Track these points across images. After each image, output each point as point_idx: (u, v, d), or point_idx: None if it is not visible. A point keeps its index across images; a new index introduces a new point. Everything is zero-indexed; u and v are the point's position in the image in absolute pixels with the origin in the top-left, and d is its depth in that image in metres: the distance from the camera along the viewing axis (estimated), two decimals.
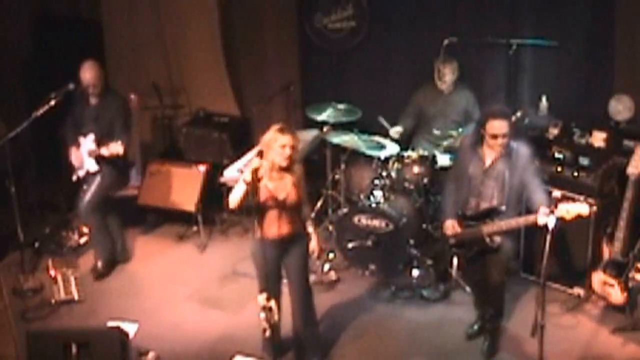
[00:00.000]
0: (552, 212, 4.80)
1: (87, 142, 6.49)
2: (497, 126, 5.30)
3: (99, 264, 6.80)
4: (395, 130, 7.02)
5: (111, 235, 6.87)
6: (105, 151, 6.32)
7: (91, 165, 6.56)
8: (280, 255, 5.37)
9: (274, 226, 5.27)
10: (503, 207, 5.36)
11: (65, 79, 6.34)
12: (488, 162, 5.44)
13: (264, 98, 7.80)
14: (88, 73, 6.42)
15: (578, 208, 5.00)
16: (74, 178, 6.74)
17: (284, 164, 5.19)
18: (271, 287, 5.24)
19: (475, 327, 5.94)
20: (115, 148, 6.26)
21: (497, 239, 5.39)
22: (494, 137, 5.33)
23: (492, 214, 5.39)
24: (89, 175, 6.63)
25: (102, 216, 6.73)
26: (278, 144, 5.15)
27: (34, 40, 8.23)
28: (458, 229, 5.52)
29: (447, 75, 6.94)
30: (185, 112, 8.34)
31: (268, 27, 8.06)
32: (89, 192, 6.60)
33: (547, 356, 4.94)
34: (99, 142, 6.41)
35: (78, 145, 6.58)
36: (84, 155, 6.55)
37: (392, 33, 7.63)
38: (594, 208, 6.06)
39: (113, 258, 6.89)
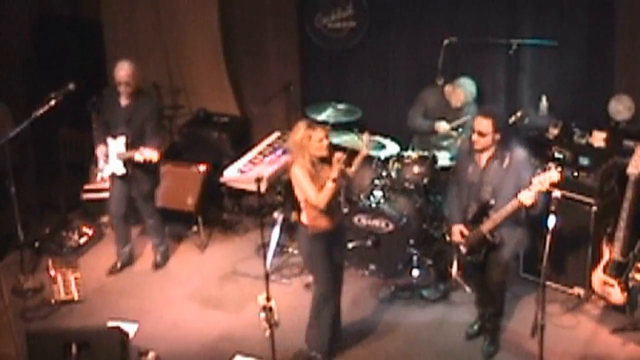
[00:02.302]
0: (553, 212, 4.81)
1: (118, 145, 6.41)
2: (477, 122, 5.35)
3: (158, 257, 6.98)
4: (442, 126, 6.94)
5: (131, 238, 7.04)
6: (139, 156, 6.22)
7: (118, 168, 6.48)
8: (333, 246, 5.54)
9: (328, 218, 5.38)
10: (492, 201, 5.37)
11: (65, 79, 6.33)
12: (482, 164, 5.44)
13: (264, 98, 7.80)
14: (122, 71, 6.32)
15: (549, 176, 5.05)
16: (98, 178, 6.73)
17: (325, 154, 5.30)
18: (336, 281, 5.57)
19: (475, 327, 5.94)
20: (150, 154, 6.19)
21: (497, 234, 5.40)
22: (473, 131, 5.38)
23: (486, 210, 5.42)
24: (117, 180, 6.59)
25: (161, 215, 6.94)
26: (315, 139, 5.25)
27: (34, 40, 8.23)
28: (466, 233, 5.53)
29: (468, 97, 6.88)
30: (185, 112, 8.33)
31: (268, 27, 8.06)
32: (140, 202, 6.70)
33: (547, 356, 4.94)
34: (130, 146, 6.35)
35: (106, 144, 6.50)
36: (112, 156, 6.48)
37: (392, 33, 7.63)
38: (594, 208, 6.09)
39: (168, 251, 7.10)
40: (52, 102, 6.23)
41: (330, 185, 5.22)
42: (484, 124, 5.29)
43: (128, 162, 6.42)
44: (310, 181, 5.26)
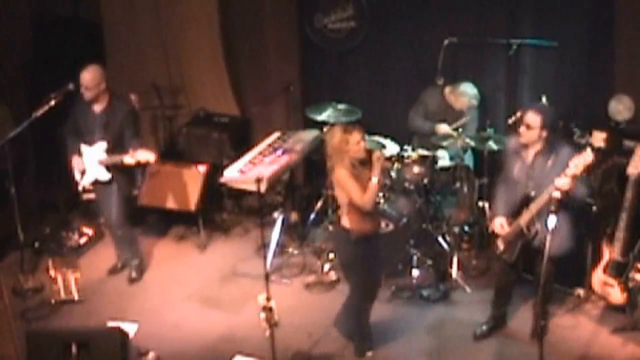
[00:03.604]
0: (554, 212, 4.80)
1: (96, 151, 6.36)
2: (527, 115, 5.43)
3: (133, 273, 6.82)
4: (443, 128, 6.95)
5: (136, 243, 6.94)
6: (129, 159, 6.12)
7: (102, 174, 6.42)
8: (373, 249, 5.54)
9: (371, 220, 5.40)
10: (533, 193, 5.39)
11: (65, 79, 6.33)
12: (529, 160, 5.48)
13: (264, 98, 7.80)
14: (86, 74, 6.26)
15: (583, 158, 5.07)
16: (80, 188, 6.65)
17: (364, 155, 5.30)
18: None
19: (485, 327, 5.93)
20: (145, 155, 6.10)
21: (533, 227, 5.42)
22: (521, 122, 5.47)
23: (525, 203, 5.44)
24: (100, 186, 6.52)
25: (131, 225, 6.79)
26: (352, 142, 5.24)
27: (34, 40, 8.23)
28: (507, 228, 5.54)
29: (472, 101, 6.91)
30: (185, 112, 8.33)
31: (268, 27, 8.06)
32: (116, 207, 6.53)
33: (547, 356, 4.94)
34: (111, 151, 6.30)
35: (80, 153, 6.45)
36: (91, 163, 6.41)
37: (392, 33, 7.63)
38: (594, 208, 6.09)
39: (143, 263, 6.96)
40: (52, 103, 6.22)
41: (374, 184, 5.21)
42: (533, 119, 5.37)
43: (112, 167, 6.36)
44: (355, 183, 5.25)
